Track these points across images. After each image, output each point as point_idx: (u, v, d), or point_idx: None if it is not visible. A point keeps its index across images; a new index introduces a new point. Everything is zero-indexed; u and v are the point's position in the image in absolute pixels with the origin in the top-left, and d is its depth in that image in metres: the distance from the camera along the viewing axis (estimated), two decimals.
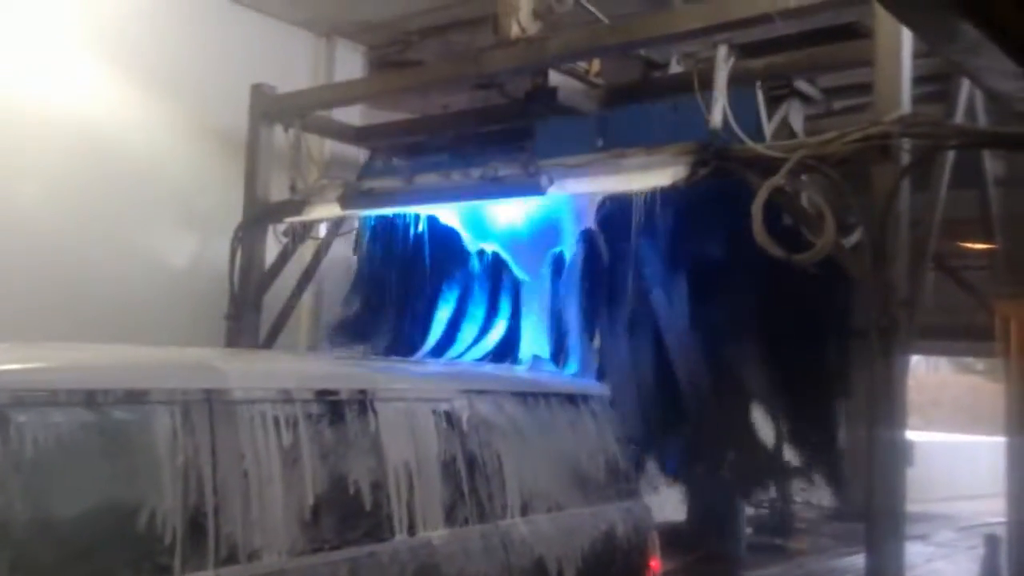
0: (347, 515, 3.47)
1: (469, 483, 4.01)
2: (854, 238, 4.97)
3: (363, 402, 3.72)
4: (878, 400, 4.61)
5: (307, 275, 7.55)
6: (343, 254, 8.12)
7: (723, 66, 5.11)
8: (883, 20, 4.53)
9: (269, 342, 7.36)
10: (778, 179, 4.71)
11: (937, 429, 16.92)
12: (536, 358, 5.98)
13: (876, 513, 4.57)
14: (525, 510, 4.22)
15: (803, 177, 4.83)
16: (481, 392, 4.32)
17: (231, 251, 7.30)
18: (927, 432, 15.42)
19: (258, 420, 3.32)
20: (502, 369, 5.78)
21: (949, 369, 19.84)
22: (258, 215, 7.35)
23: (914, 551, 8.61)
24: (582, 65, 6.07)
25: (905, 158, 4.57)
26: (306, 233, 7.33)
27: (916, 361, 14.78)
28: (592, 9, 5.87)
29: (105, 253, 6.93)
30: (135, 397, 3.01)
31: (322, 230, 7.45)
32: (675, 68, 6.32)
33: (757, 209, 4.71)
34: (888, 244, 4.55)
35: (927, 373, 18.89)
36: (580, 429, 4.82)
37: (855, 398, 5.73)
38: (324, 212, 6.97)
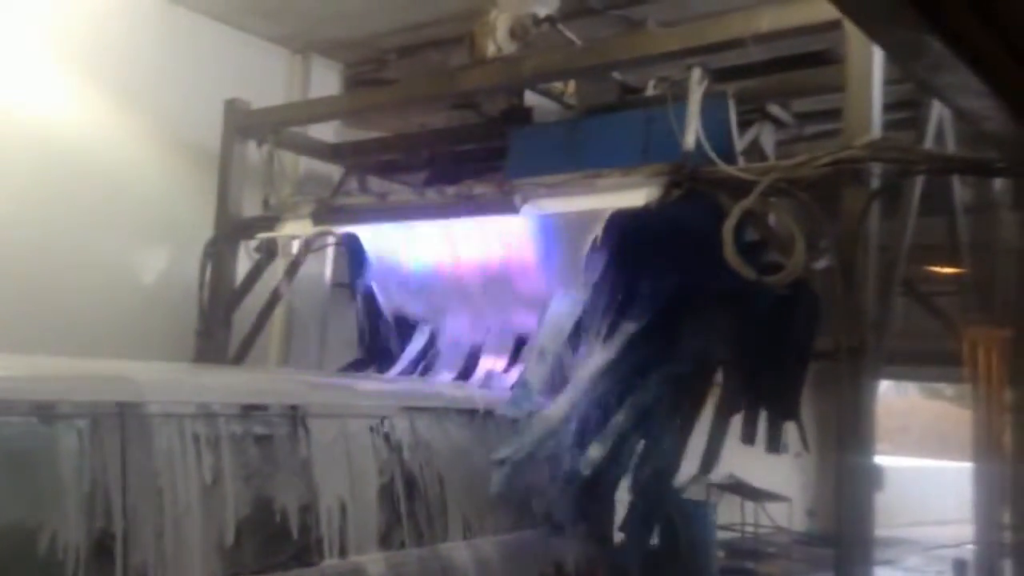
0: (271, 538, 3.28)
1: (407, 505, 3.83)
2: (822, 262, 5.00)
3: (293, 419, 3.51)
4: (847, 424, 4.62)
5: (278, 292, 7.48)
6: (316, 271, 8.09)
7: (697, 89, 5.15)
8: (855, 46, 4.59)
9: (239, 358, 7.28)
10: (750, 201, 4.74)
11: (905, 454, 17.03)
12: (489, 374, 5.81)
13: (846, 538, 4.56)
14: (468, 533, 4.06)
15: (773, 200, 4.86)
16: (422, 409, 4.13)
17: (201, 266, 7.23)
18: (896, 457, 15.52)
19: (176, 437, 3.07)
20: (448, 386, 5.55)
21: (918, 394, 20.02)
22: (230, 230, 7.29)
23: None
24: (558, 86, 6.10)
25: (875, 182, 4.61)
26: (278, 250, 7.28)
27: (885, 386, 14.93)
28: (567, 32, 5.91)
29: (74, 266, 6.84)
30: (38, 410, 2.75)
31: (294, 247, 7.40)
32: (650, 92, 6.36)
33: (728, 231, 4.73)
34: (858, 267, 4.58)
35: (896, 398, 19.04)
36: None
37: (825, 421, 5.75)
38: (297, 228, 6.91)
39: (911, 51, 2.07)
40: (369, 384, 4.78)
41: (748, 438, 5.61)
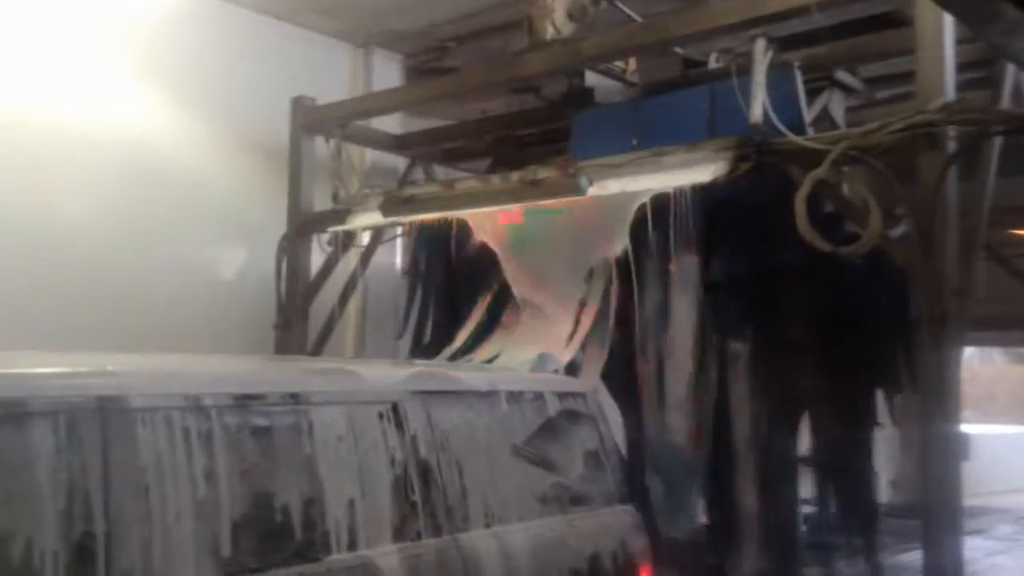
0: (270, 535, 3.06)
1: (423, 494, 3.58)
2: (900, 230, 4.89)
3: (294, 407, 3.27)
4: (932, 393, 4.52)
5: (352, 283, 7.62)
6: (387, 262, 8.20)
7: (761, 60, 5.06)
8: (923, 7, 4.45)
9: (317, 350, 7.45)
10: (821, 171, 4.64)
11: (992, 421, 16.57)
12: (543, 356, 5.71)
13: (933, 508, 4.48)
14: (491, 521, 3.82)
15: (845, 169, 4.76)
16: (436, 393, 3.88)
17: (277, 261, 7.41)
18: (982, 424, 15.10)
19: (163, 432, 2.85)
20: (465, 367, 5.35)
21: (1004, 360, 19.42)
22: (302, 225, 7.45)
23: (973, 546, 8.44)
24: (618, 65, 6.05)
25: (951, 146, 4.48)
26: (350, 242, 7.41)
27: (969, 352, 14.51)
28: (625, 9, 5.86)
29: (154, 267, 7.07)
30: (7, 407, 2.53)
31: (365, 238, 7.52)
32: (713, 65, 6.28)
33: (800, 202, 4.65)
34: (937, 234, 4.47)
35: (981, 365, 18.50)
36: (559, 430, 4.41)
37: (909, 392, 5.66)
38: (366, 220, 7.03)
39: (985, 17, 2.01)
40: (379, 368, 4.49)
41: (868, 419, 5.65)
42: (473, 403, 4.01)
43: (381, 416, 3.58)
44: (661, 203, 5.32)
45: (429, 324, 7.38)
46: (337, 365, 4.32)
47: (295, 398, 3.31)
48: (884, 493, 12.80)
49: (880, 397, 5.96)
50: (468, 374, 4.47)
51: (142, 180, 7.00)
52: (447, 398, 3.92)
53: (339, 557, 3.23)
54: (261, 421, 3.16)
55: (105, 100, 6.86)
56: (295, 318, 7.40)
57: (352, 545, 3.29)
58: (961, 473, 4.53)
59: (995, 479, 12.89)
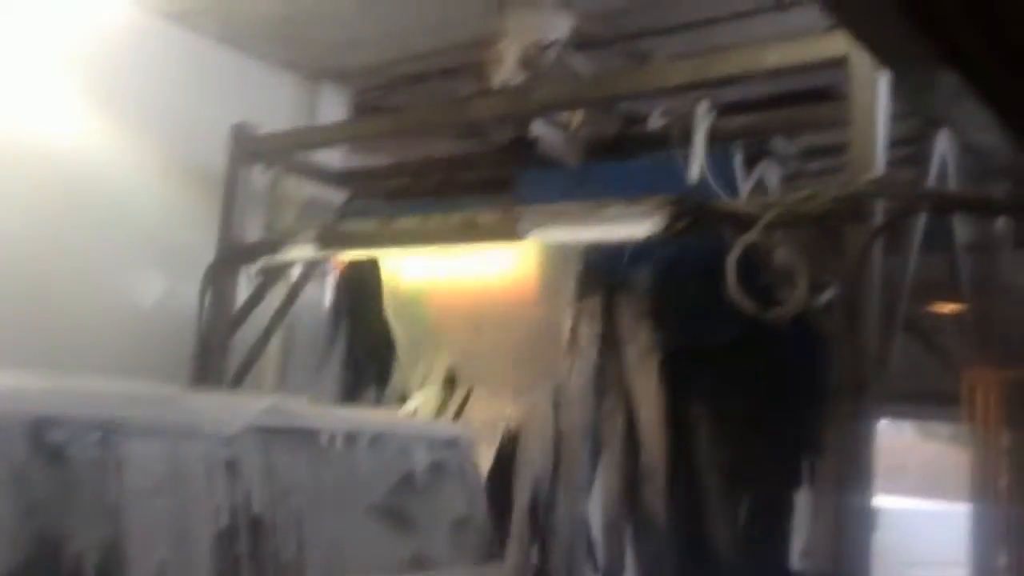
0: None
1: (250, 546, 3.12)
2: (826, 297, 5.01)
3: (103, 437, 2.78)
4: (845, 464, 4.60)
5: (277, 317, 7.48)
6: (316, 298, 8.08)
7: (702, 122, 5.21)
8: (859, 82, 4.64)
9: (236, 383, 7.26)
10: (752, 235, 4.76)
11: (902, 494, 16.93)
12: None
13: None
14: (331, 573, 3.41)
15: (778, 235, 4.88)
16: (281, 431, 3.39)
17: (202, 290, 7.23)
18: (892, 497, 15.41)
19: None
20: (320, 405, 4.89)
21: (914, 434, 19.94)
22: (232, 254, 7.30)
23: None
24: (565, 117, 6.15)
25: (878, 219, 4.64)
26: (279, 275, 7.29)
27: (882, 425, 14.82)
28: (575, 63, 5.97)
29: (73, 287, 6.83)
30: None
31: (295, 273, 7.40)
32: (655, 123, 6.42)
33: (731, 264, 4.75)
34: (860, 304, 4.59)
35: (893, 437, 18.95)
36: (423, 480, 4.01)
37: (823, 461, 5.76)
38: (300, 253, 6.93)
39: (925, 84, 2.11)
40: (215, 399, 4.02)
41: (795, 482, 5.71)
42: (324, 445, 3.56)
43: (210, 455, 3.10)
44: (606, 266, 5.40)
45: (353, 366, 7.31)
46: (163, 392, 3.76)
47: (104, 426, 2.81)
48: (794, 561, 12.94)
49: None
50: (321, 412, 4.07)
51: (66, 196, 6.78)
52: (292, 438, 3.45)
53: None
54: (59, 451, 2.68)
55: (37, 116, 6.66)
56: (215, 349, 7.22)
57: None
58: (872, 545, 4.60)
59: (902, 552, 13.12)
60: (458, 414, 6.07)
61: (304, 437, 3.52)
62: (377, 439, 3.83)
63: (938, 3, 1.68)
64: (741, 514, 5.86)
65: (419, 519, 3.98)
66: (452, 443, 4.31)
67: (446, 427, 4.78)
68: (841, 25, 1.90)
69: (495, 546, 4.42)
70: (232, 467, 3.16)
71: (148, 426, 2.99)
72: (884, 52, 2.08)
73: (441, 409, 6.17)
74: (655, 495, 5.59)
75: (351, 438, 3.69)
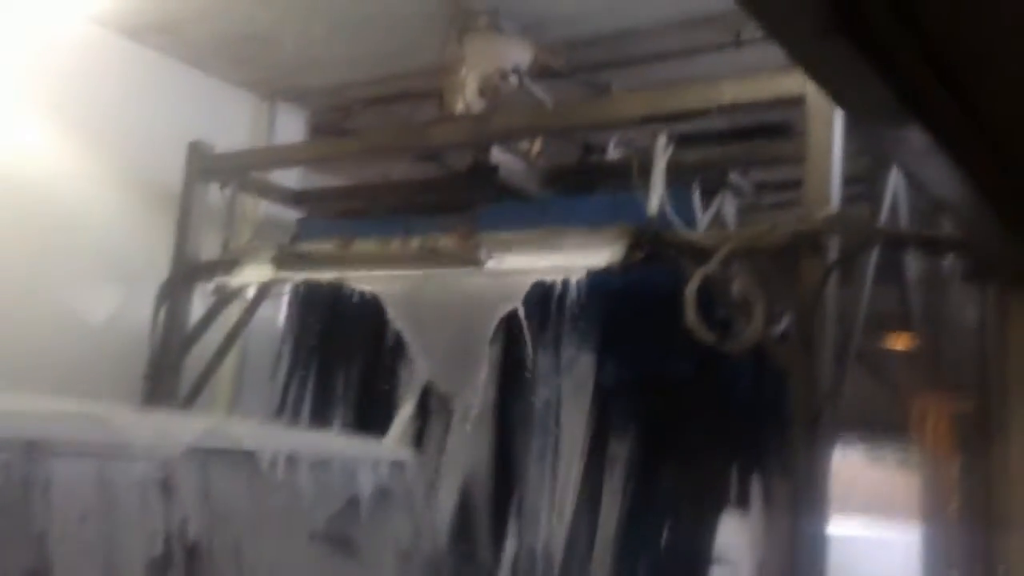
0: None
1: (186, 567, 2.96)
2: (781, 328, 5.09)
3: (26, 458, 2.58)
4: (800, 489, 4.66)
5: (232, 337, 7.38)
6: (270, 318, 7.99)
7: (661, 154, 5.26)
8: (816, 121, 4.73)
9: (188, 403, 7.14)
10: (710, 267, 4.82)
11: (850, 518, 17.14)
12: None
13: None
14: None
15: (735, 267, 4.95)
16: (222, 453, 3.25)
17: (155, 308, 7.11)
18: (840, 521, 15.57)
19: None
20: (261, 427, 4.71)
21: (861, 459, 20.23)
22: (186, 273, 7.20)
23: None
24: (524, 145, 6.18)
25: (833, 254, 4.72)
26: (234, 295, 7.20)
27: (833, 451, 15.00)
28: (536, 92, 6.01)
29: (22, 303, 6.68)
30: None
31: (250, 292, 7.32)
32: (612, 153, 6.48)
33: (690, 294, 4.80)
34: (815, 336, 4.67)
35: (840, 462, 19.20)
36: (367, 505, 3.87)
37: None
38: (256, 274, 6.85)
39: (895, 139, 2.16)
40: (152, 418, 3.83)
41: (743, 502, 5.75)
42: (264, 468, 3.39)
43: (144, 478, 2.93)
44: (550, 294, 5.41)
45: (307, 390, 7.25)
46: (96, 411, 3.50)
47: (27, 446, 2.61)
48: None
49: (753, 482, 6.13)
50: (263, 434, 3.88)
51: (13, 211, 6.64)
52: (231, 460, 3.30)
53: None
54: None
55: None
56: (167, 369, 7.10)
57: None
58: (827, 570, 4.65)
59: None
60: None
61: (243, 460, 3.36)
62: (320, 462, 3.68)
63: (908, 65, 1.72)
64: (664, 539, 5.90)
65: (364, 545, 3.83)
66: (398, 466, 4.18)
67: (392, 450, 4.51)
68: (805, 73, 1.93)
69: (441, 571, 4.30)
70: (167, 491, 2.99)
71: (76, 446, 2.80)
72: (852, 105, 2.13)
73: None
74: (553, 529, 5.63)
75: (292, 461, 3.53)
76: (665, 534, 5.92)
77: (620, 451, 5.71)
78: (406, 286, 5.95)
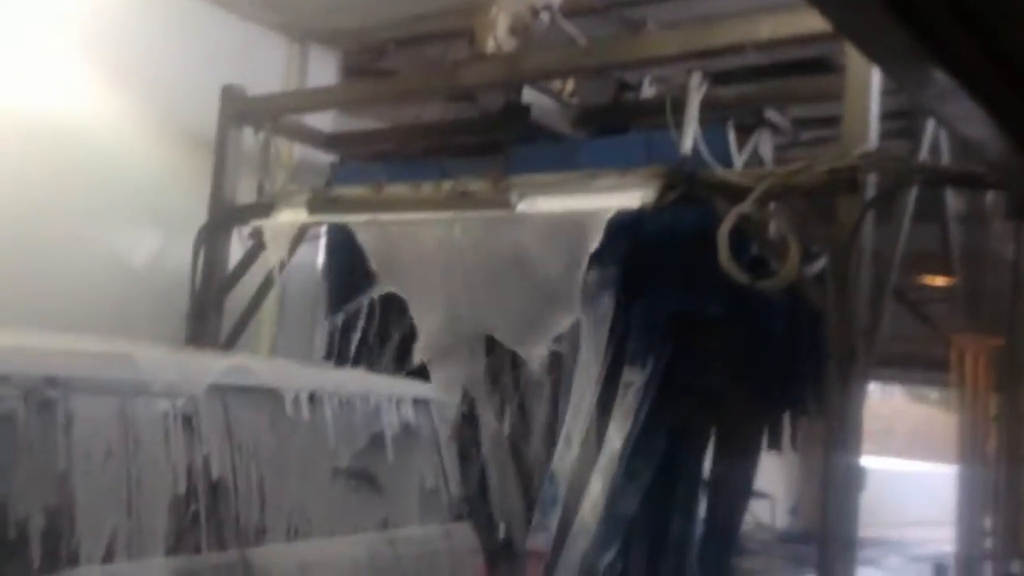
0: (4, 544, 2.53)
1: (208, 503, 3.04)
2: (817, 267, 5.04)
3: (50, 395, 2.65)
4: (835, 426, 4.66)
5: (270, 280, 7.47)
6: (309, 260, 8.08)
7: (696, 93, 5.17)
8: (854, 56, 4.60)
9: (230, 343, 7.28)
10: (745, 206, 4.76)
11: (890, 456, 17.15)
12: None
13: (829, 537, 4.62)
14: (294, 536, 3.36)
15: (771, 206, 4.88)
16: (240, 389, 3.30)
17: (194, 251, 7.22)
18: (880, 458, 15.61)
19: None
20: (285, 365, 4.73)
21: (903, 398, 20.14)
22: (224, 217, 7.28)
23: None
24: (557, 84, 6.10)
25: (870, 191, 4.65)
26: (270, 238, 7.26)
27: (871, 389, 14.99)
28: (569, 29, 5.91)
29: (66, 248, 6.81)
30: None
31: (288, 235, 7.37)
32: (647, 91, 6.38)
33: (723, 234, 4.75)
34: (851, 274, 4.62)
35: (881, 400, 19.16)
36: (390, 440, 3.94)
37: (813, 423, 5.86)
38: (291, 217, 6.91)
39: (917, 81, 2.10)
40: (175, 356, 3.83)
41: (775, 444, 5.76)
42: (288, 406, 3.47)
43: (167, 414, 3.00)
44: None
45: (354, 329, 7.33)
46: (119, 349, 3.46)
47: (51, 383, 2.68)
48: (782, 519, 13.17)
49: (786, 421, 6.16)
50: (287, 372, 3.95)
51: (57, 159, 6.72)
52: (254, 398, 3.36)
53: (86, 570, 2.68)
54: (2, 408, 2.57)
55: (24, 77, 6.58)
56: (209, 310, 7.23)
57: (109, 556, 2.75)
58: (858, 504, 4.69)
59: (889, 512, 13.34)
60: None
61: (266, 397, 3.41)
62: (344, 400, 3.75)
63: (927, 7, 1.68)
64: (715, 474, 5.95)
65: (387, 481, 3.93)
66: (422, 404, 4.24)
67: (417, 387, 4.49)
68: (824, 18, 1.88)
69: (463, 507, 4.41)
70: (189, 428, 3.05)
71: (99, 384, 2.86)
72: (872, 49, 2.08)
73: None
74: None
75: (317, 399, 3.61)
76: (702, 469, 5.98)
77: (636, 379, 5.72)
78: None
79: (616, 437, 5.57)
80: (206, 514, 3.07)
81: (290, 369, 4.21)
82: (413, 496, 4.08)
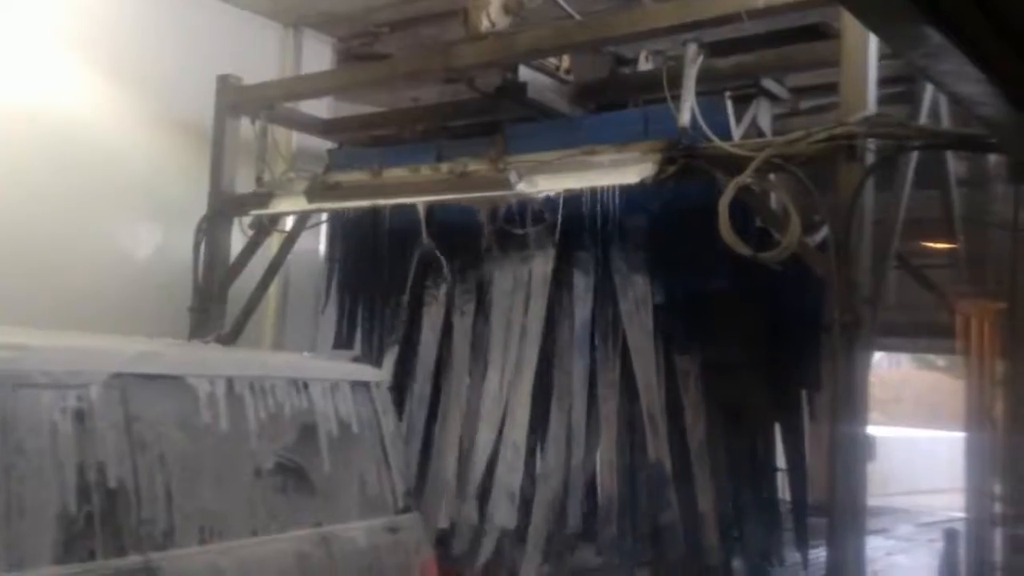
0: None
1: (105, 506, 2.81)
2: (819, 237, 5.02)
3: None
4: (840, 395, 4.66)
5: (273, 268, 7.48)
6: (311, 248, 8.07)
7: (692, 64, 5.13)
8: (850, 22, 4.57)
9: (234, 334, 7.29)
10: (745, 177, 4.74)
11: (898, 424, 17.17)
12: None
13: (838, 507, 4.62)
14: (206, 538, 3.12)
15: (771, 176, 4.86)
16: (146, 378, 3.04)
17: (195, 243, 7.21)
18: (888, 427, 15.62)
19: None
20: (204, 349, 4.46)
21: (910, 365, 20.13)
22: (223, 207, 7.27)
23: (875, 544, 8.72)
24: (552, 61, 6.06)
25: (870, 157, 4.62)
26: (272, 226, 7.27)
27: (878, 357, 14.99)
28: (563, 4, 5.87)
29: (66, 242, 6.81)
30: None
31: (288, 223, 7.38)
32: (643, 64, 6.34)
33: (724, 206, 4.73)
34: (852, 242, 4.60)
35: (889, 369, 19.15)
36: (325, 429, 3.69)
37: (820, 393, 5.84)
38: (290, 205, 6.90)
39: (908, 40, 2.08)
40: (76, 341, 3.53)
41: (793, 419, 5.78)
42: (199, 395, 3.20)
43: (60, 404, 2.76)
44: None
45: (356, 316, 7.34)
46: (15, 336, 3.18)
47: None
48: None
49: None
50: (198, 357, 3.66)
51: (56, 151, 6.72)
52: (159, 387, 3.09)
53: None
54: None
55: (23, 71, 6.57)
56: (212, 301, 7.23)
57: None
58: (866, 473, 4.69)
59: (898, 480, 13.35)
60: None
61: (175, 387, 3.14)
62: (268, 388, 3.47)
63: None
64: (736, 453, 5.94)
65: (320, 475, 3.65)
66: (362, 389, 3.98)
67: (358, 370, 4.18)
68: None
69: (409, 498, 4.16)
70: (81, 422, 2.79)
71: None
72: (863, 8, 2.05)
73: None
74: (657, 442, 5.65)
75: (234, 387, 3.33)
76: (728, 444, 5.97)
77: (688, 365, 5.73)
78: None
79: (698, 429, 5.62)
80: (101, 517, 2.83)
81: (208, 355, 3.90)
82: (351, 490, 3.81)
